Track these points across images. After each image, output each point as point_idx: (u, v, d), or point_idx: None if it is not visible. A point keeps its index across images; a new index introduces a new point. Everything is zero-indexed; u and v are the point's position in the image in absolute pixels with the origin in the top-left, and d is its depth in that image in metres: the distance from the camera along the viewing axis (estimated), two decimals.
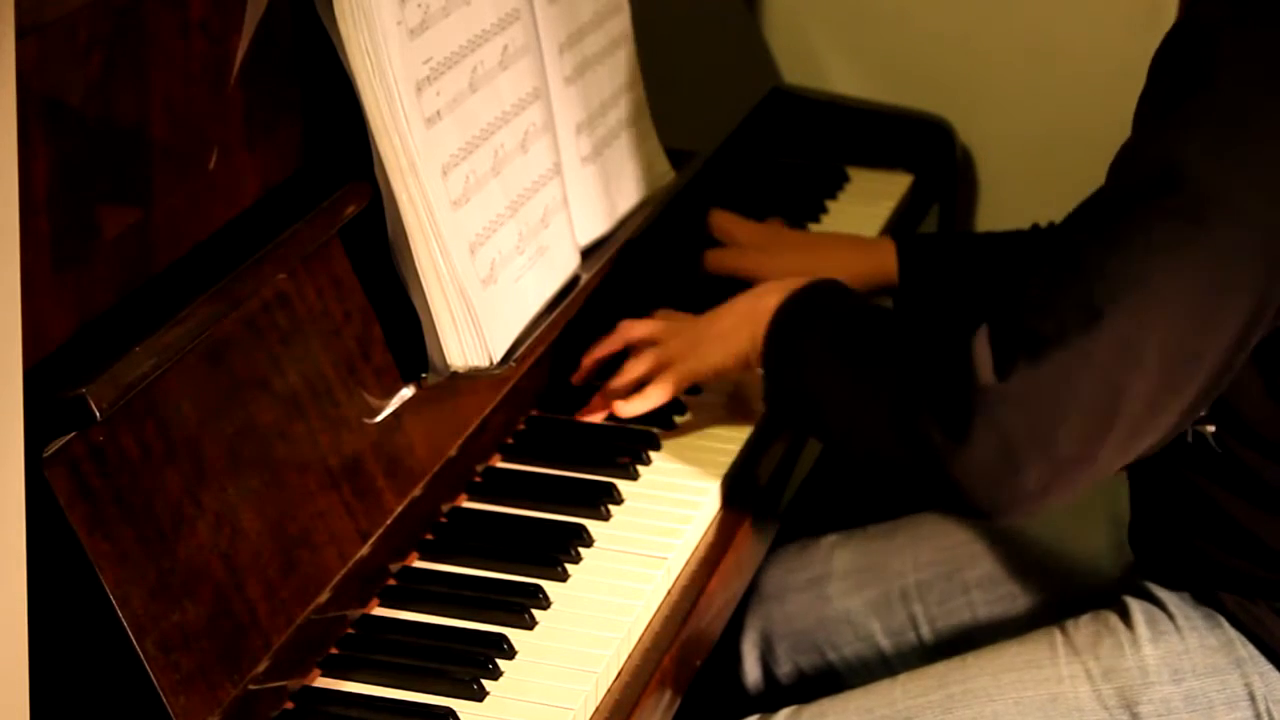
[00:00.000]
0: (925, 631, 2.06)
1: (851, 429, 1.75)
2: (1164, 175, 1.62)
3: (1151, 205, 1.62)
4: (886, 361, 1.73)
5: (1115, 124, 2.63)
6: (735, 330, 1.88)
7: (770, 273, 2.14)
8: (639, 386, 1.92)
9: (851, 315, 1.81)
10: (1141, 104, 1.70)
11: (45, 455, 1.35)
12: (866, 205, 2.50)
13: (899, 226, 2.49)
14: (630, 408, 1.91)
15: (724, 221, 2.26)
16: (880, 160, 2.61)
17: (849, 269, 2.16)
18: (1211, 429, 1.78)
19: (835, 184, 2.55)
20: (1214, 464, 1.79)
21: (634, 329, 1.97)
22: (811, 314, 1.83)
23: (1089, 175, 2.61)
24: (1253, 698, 1.80)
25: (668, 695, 1.67)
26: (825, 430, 1.80)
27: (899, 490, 1.87)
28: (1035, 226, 2.16)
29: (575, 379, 1.98)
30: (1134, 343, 1.61)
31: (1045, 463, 1.63)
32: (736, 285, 2.17)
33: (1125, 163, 1.68)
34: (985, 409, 1.62)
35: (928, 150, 2.63)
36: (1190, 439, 1.79)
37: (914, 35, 2.69)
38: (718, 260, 2.21)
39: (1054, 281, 1.64)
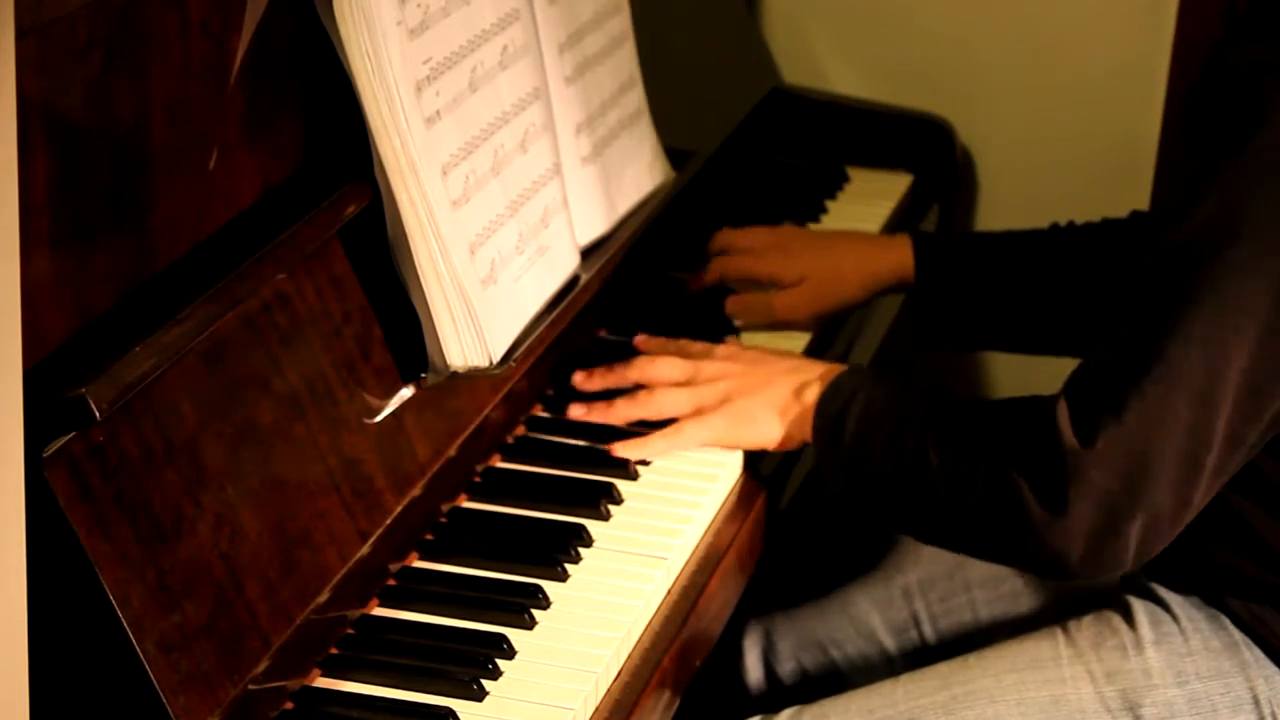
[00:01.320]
0: (927, 630, 2.06)
1: (929, 511, 1.76)
2: (1224, 227, 1.64)
3: (1212, 254, 1.65)
4: (960, 441, 1.74)
5: (1115, 124, 2.64)
6: (785, 413, 1.87)
7: (789, 274, 2.15)
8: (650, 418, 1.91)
9: (904, 395, 1.81)
10: (1186, 145, 1.70)
11: (45, 455, 1.35)
12: (866, 205, 2.50)
13: (899, 226, 2.49)
14: (654, 447, 1.88)
15: (729, 235, 2.24)
16: (880, 160, 2.61)
17: (866, 266, 2.16)
18: None
19: (835, 184, 2.55)
20: None
21: (658, 370, 1.92)
22: (864, 406, 1.81)
23: (1089, 175, 2.63)
24: (1256, 701, 1.79)
25: (668, 695, 1.67)
26: (896, 514, 1.80)
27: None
28: (1054, 225, 2.16)
29: (572, 412, 1.93)
30: (1211, 391, 1.64)
31: (1143, 518, 1.67)
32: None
33: (1181, 210, 1.68)
34: (1078, 475, 1.65)
35: (928, 150, 2.63)
36: None
37: (914, 35, 2.69)
38: (735, 267, 2.19)
39: (1127, 342, 1.67)
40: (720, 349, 1.95)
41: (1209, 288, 1.64)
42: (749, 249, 2.19)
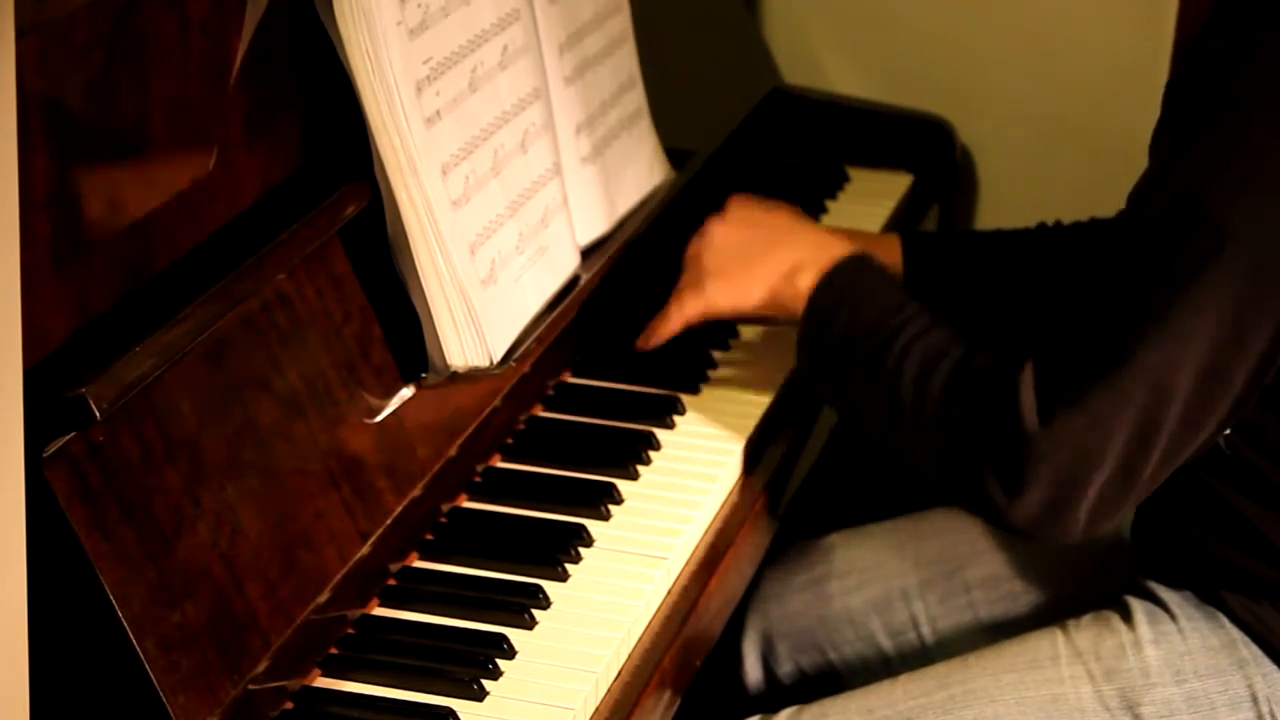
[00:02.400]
0: (926, 631, 2.06)
1: (889, 433, 1.80)
2: (1184, 210, 1.65)
3: (1174, 241, 1.65)
4: (934, 388, 1.76)
5: (1115, 124, 2.64)
6: (776, 291, 1.93)
7: None
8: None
9: (893, 312, 1.83)
10: (1157, 137, 1.71)
11: (45, 455, 1.35)
12: (866, 205, 2.50)
13: (899, 226, 2.48)
14: (660, 330, 1.99)
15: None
16: (880, 160, 2.61)
17: None
18: (1226, 433, 1.79)
19: (835, 184, 2.55)
20: (1223, 464, 1.79)
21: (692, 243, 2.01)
22: (852, 314, 1.85)
23: (1089, 175, 2.62)
24: (1255, 699, 1.79)
25: (667, 695, 1.67)
26: (858, 420, 1.85)
27: (903, 489, 1.89)
28: (1042, 225, 2.16)
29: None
30: (1167, 376, 1.65)
31: (1092, 496, 1.69)
32: None
33: (1146, 197, 1.70)
34: (1033, 457, 1.68)
35: (928, 150, 2.63)
36: None
37: (914, 35, 2.69)
38: None
39: (1086, 322, 1.69)
40: (729, 212, 2.02)
41: (1172, 274, 1.65)
42: None
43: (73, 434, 1.38)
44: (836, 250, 1.91)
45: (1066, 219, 2.15)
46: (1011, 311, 2.12)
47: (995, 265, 2.12)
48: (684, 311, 1.98)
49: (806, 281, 1.88)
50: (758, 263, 1.94)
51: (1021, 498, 1.69)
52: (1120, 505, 1.72)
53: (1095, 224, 2.12)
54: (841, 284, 1.87)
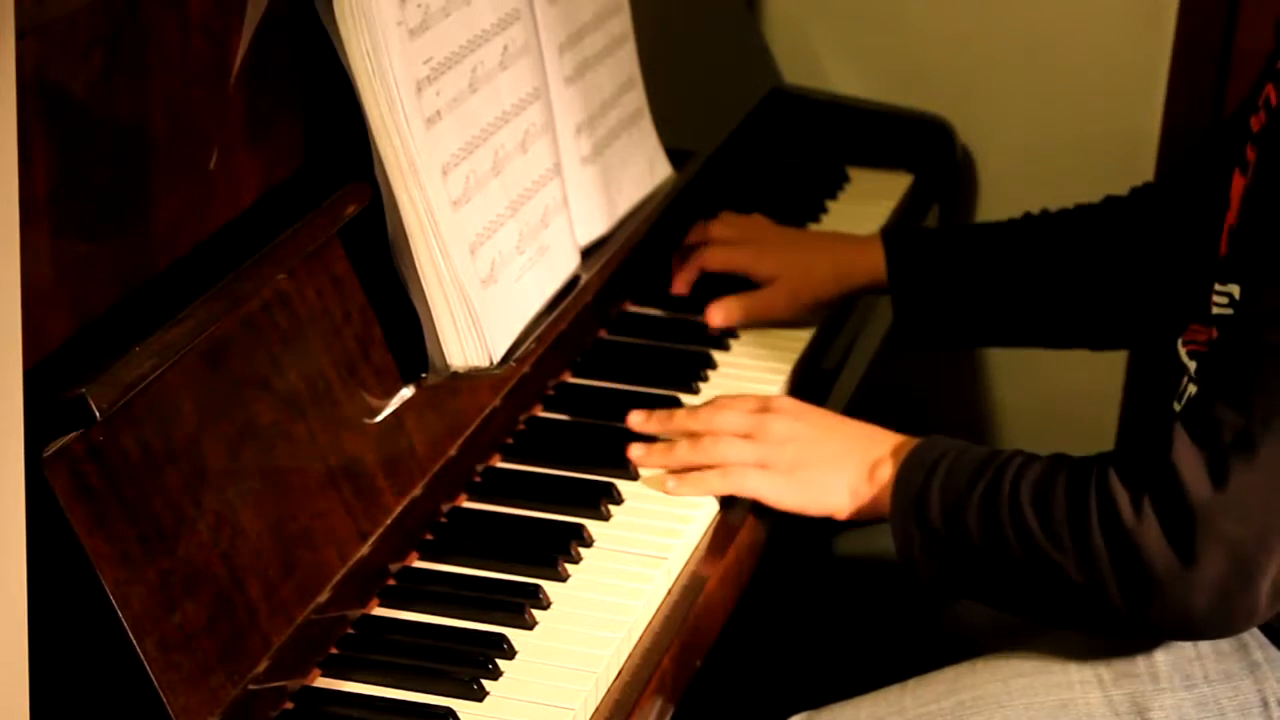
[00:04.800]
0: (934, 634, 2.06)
1: (1037, 583, 1.71)
2: None
3: None
4: (1061, 501, 1.67)
5: (1115, 124, 2.64)
6: (858, 490, 1.81)
7: (762, 269, 2.15)
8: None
9: (989, 460, 1.74)
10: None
11: (45, 455, 1.35)
12: (866, 205, 2.50)
13: (899, 226, 2.49)
14: (711, 485, 1.84)
15: (703, 228, 2.24)
16: (880, 160, 2.61)
17: (840, 266, 2.17)
18: None
19: (835, 184, 2.55)
20: None
21: (724, 419, 1.86)
22: (946, 478, 1.75)
23: (1089, 175, 2.62)
24: (1265, 703, 1.79)
25: (668, 695, 1.67)
26: (998, 591, 1.75)
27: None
28: (1027, 214, 2.16)
29: (631, 419, 1.90)
30: None
31: (1276, 568, 1.61)
32: (737, 283, 2.17)
33: None
34: (1209, 523, 1.59)
35: (928, 150, 2.63)
36: None
37: (914, 35, 2.69)
38: (710, 258, 2.20)
39: (1248, 373, 1.62)
40: (780, 403, 1.89)
41: None
42: (723, 240, 2.21)
43: (73, 434, 1.38)
44: (907, 443, 1.81)
45: None
46: (997, 305, 2.12)
47: (979, 258, 2.12)
48: (754, 494, 1.84)
49: (887, 473, 1.78)
50: (815, 463, 1.83)
51: (1195, 568, 1.59)
52: None
53: (1080, 210, 2.12)
54: (927, 455, 1.77)
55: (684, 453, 1.86)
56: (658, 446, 1.88)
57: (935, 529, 1.74)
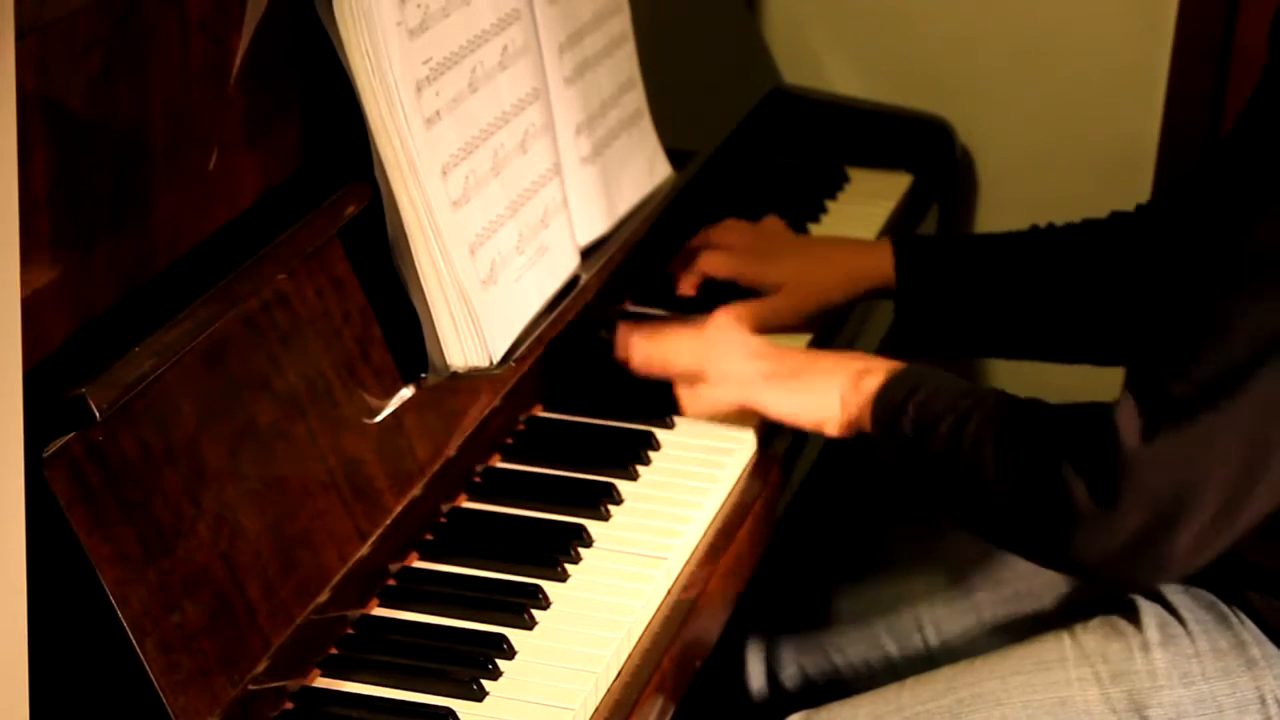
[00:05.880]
0: (931, 635, 2.06)
1: (977, 501, 1.75)
2: None
3: None
4: (1018, 437, 1.72)
5: (1115, 124, 2.64)
6: (826, 389, 1.86)
7: (769, 277, 2.14)
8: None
9: (968, 393, 1.79)
10: (1271, 168, 1.68)
11: (45, 455, 1.35)
12: (866, 205, 2.50)
13: (899, 227, 2.49)
14: (718, 395, 1.90)
15: (708, 233, 2.24)
16: (880, 160, 2.61)
17: (847, 272, 2.16)
18: None
19: (835, 184, 2.55)
20: None
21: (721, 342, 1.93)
22: (926, 396, 1.80)
23: (1089, 175, 2.63)
24: (1263, 700, 1.79)
25: (667, 695, 1.67)
26: (942, 497, 1.80)
27: (904, 490, 1.87)
28: (1034, 227, 2.16)
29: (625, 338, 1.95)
30: (1278, 400, 1.61)
31: (1190, 528, 1.64)
32: (738, 288, 2.17)
33: (1262, 216, 1.65)
34: (1131, 473, 1.63)
35: (928, 150, 2.63)
36: None
37: (914, 35, 2.69)
38: (715, 265, 2.19)
39: (1193, 342, 1.65)
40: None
41: (1277, 295, 1.61)
42: (729, 246, 2.20)
43: (72, 434, 1.38)
44: (890, 364, 1.87)
45: (1066, 219, 2.16)
46: (1003, 317, 2.12)
47: (987, 269, 2.11)
48: (718, 402, 1.92)
49: (874, 384, 1.83)
50: (809, 370, 1.89)
51: (1114, 512, 1.64)
52: (1219, 540, 1.66)
53: (1088, 225, 2.12)
54: (912, 375, 1.83)
55: (684, 361, 1.92)
56: (656, 360, 1.93)
57: (906, 433, 1.79)
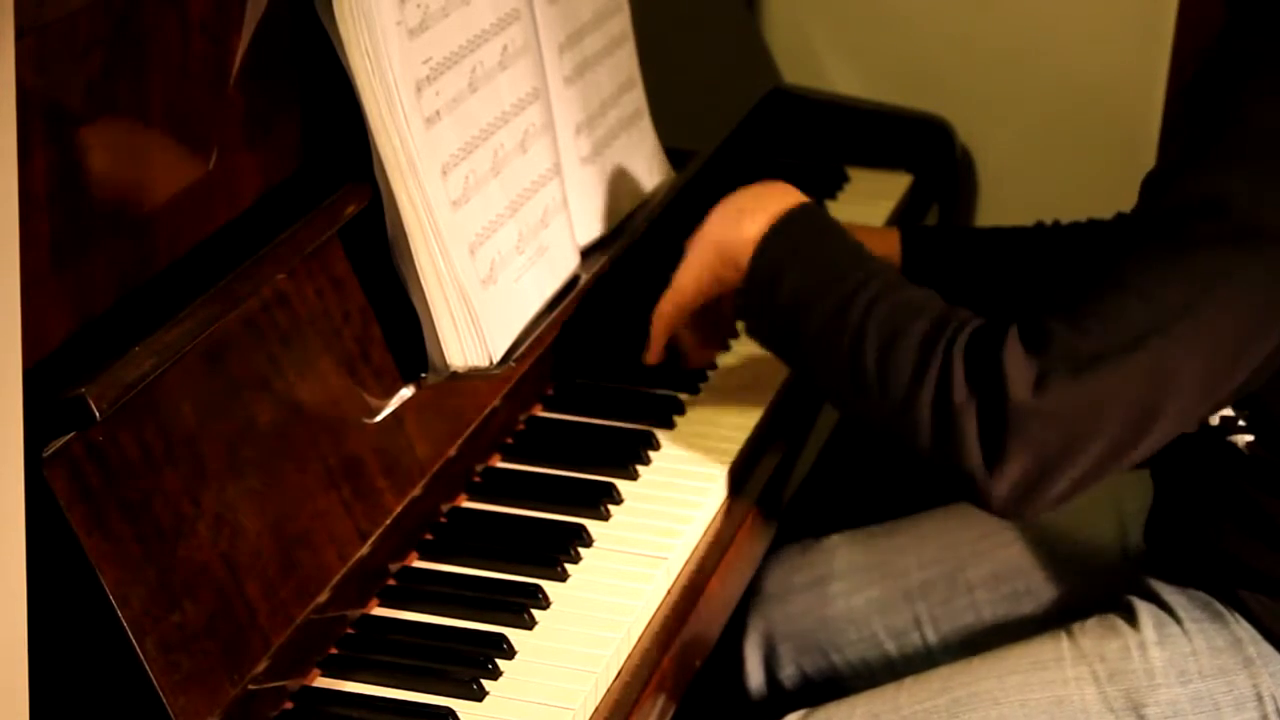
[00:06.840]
0: (929, 632, 2.06)
1: (851, 397, 1.73)
2: (1207, 205, 1.61)
3: (1197, 233, 1.62)
4: (904, 348, 1.69)
5: (1115, 124, 2.64)
6: (721, 247, 1.83)
7: None
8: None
9: (853, 267, 1.76)
10: (1175, 132, 1.69)
11: (45, 455, 1.35)
12: (866, 205, 2.50)
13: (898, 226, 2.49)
14: (655, 328, 1.92)
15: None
16: (880, 160, 2.62)
17: None
18: (1248, 439, 1.78)
19: (835, 184, 2.55)
20: (1244, 464, 1.79)
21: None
22: (799, 261, 1.77)
23: (1088, 175, 2.63)
24: (1260, 698, 1.79)
25: (667, 695, 1.67)
26: (813, 381, 1.79)
27: (902, 489, 1.87)
28: (1040, 224, 2.16)
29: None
30: (1175, 368, 1.62)
31: (1073, 474, 1.65)
32: None
33: (1164, 189, 1.66)
34: (1020, 427, 1.62)
35: (928, 150, 2.63)
36: (1223, 445, 1.79)
37: (914, 35, 2.69)
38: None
39: (1095, 299, 1.64)
40: None
41: (1184, 262, 1.62)
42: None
43: (72, 434, 1.38)
44: (789, 199, 1.81)
45: (1066, 219, 2.16)
46: (1007, 308, 2.12)
47: (993, 261, 2.11)
48: (660, 311, 1.92)
49: (754, 228, 1.79)
50: (708, 224, 1.86)
51: (1002, 463, 1.64)
52: (1095, 484, 1.67)
53: (1093, 225, 2.12)
54: (794, 234, 1.79)
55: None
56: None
57: (781, 306, 1.76)
